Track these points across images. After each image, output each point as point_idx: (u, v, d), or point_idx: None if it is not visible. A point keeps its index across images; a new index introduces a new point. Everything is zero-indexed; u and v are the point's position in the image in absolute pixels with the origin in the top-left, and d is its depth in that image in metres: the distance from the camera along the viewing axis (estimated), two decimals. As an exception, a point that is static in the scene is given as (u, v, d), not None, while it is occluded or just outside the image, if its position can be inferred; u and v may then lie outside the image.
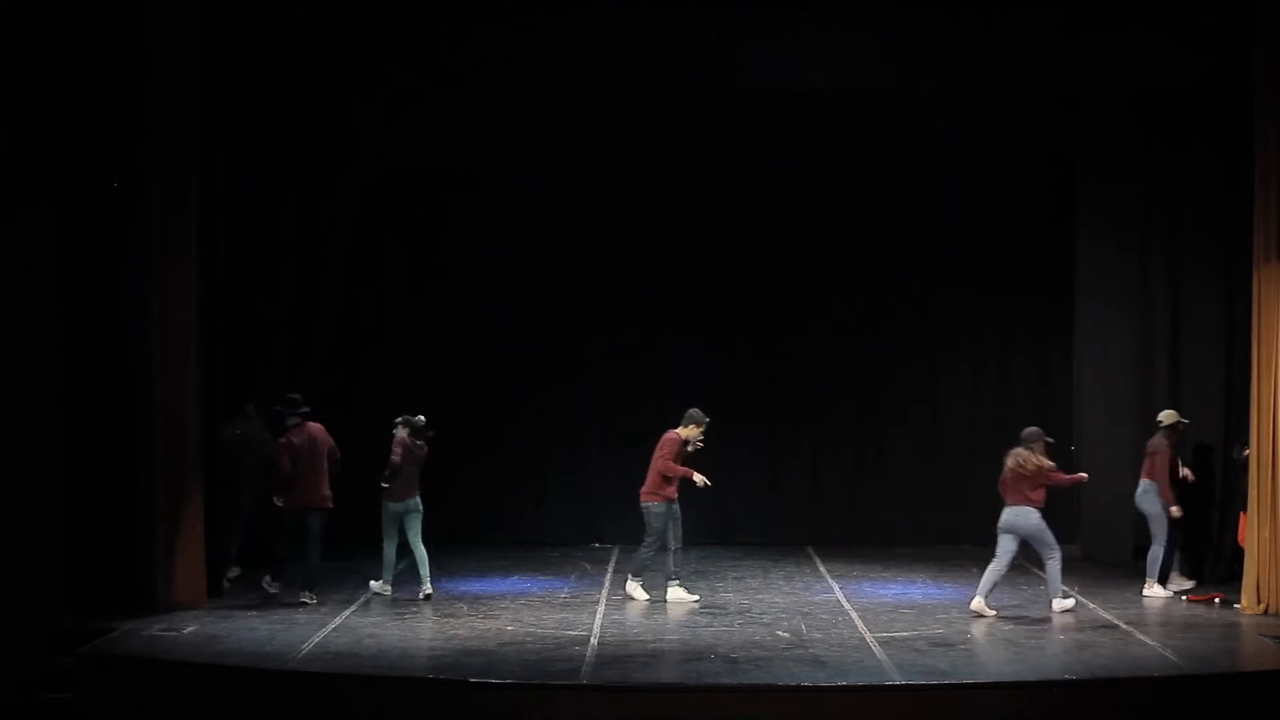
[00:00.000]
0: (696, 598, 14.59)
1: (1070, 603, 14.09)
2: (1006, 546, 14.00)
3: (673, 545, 14.59)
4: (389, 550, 14.86)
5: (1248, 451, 14.27)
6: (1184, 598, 14.56)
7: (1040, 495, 14.11)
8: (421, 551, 14.78)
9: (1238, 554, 14.52)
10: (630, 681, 11.54)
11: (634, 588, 14.68)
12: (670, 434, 14.67)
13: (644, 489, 14.60)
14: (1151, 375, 16.24)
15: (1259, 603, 13.94)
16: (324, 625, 13.35)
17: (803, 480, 18.36)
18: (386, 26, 14.69)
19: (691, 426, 14.61)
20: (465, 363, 18.26)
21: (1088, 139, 17.00)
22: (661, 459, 14.53)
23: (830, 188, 18.10)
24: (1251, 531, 14.05)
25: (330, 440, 14.74)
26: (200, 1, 14.03)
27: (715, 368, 17.77)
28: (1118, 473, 16.61)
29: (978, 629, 13.30)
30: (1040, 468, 14.08)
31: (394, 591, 14.90)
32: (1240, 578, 14.22)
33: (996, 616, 13.78)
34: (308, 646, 12.54)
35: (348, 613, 13.94)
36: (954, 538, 17.98)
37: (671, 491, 14.56)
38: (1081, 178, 17.18)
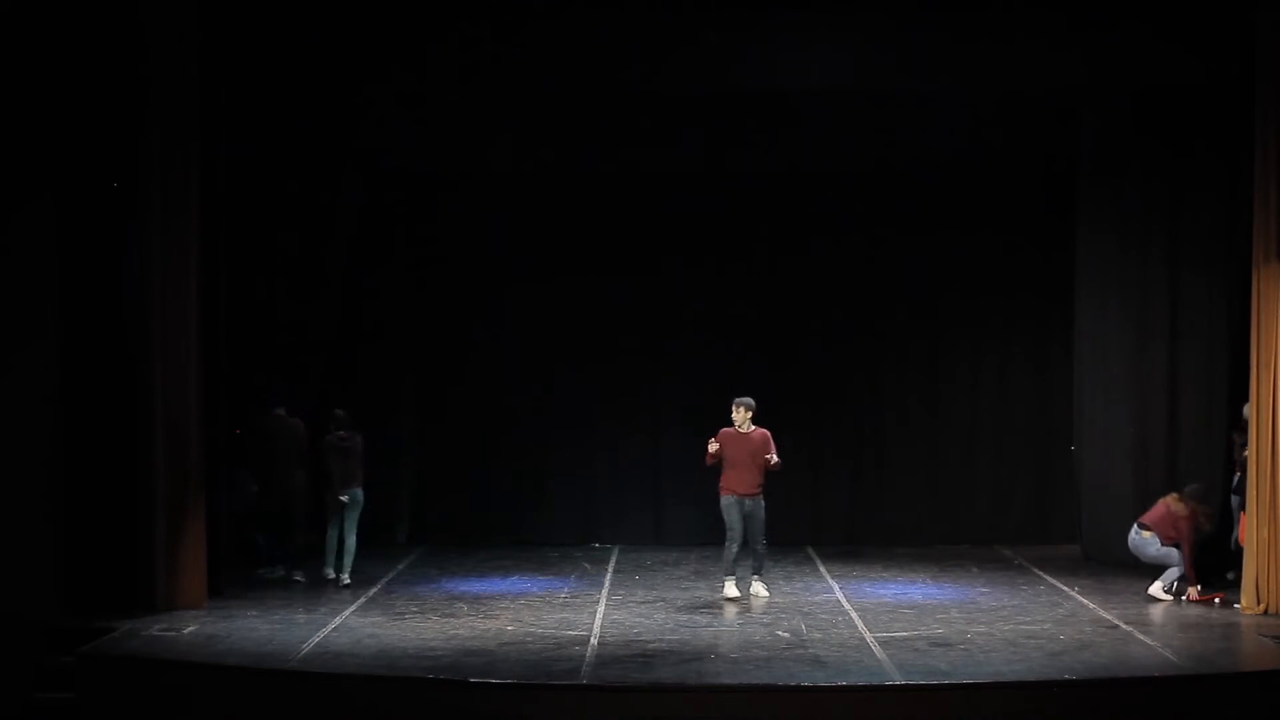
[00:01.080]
0: (767, 595, 14.77)
1: (1164, 595, 14.48)
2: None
3: (749, 542, 14.75)
4: (331, 537, 15.35)
5: (1247, 452, 14.27)
6: (1183, 598, 14.55)
7: (1171, 538, 14.60)
8: (352, 543, 15.27)
9: (1238, 554, 14.51)
10: (630, 681, 11.54)
11: (729, 587, 14.77)
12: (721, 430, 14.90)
13: None
14: (1151, 375, 16.22)
15: (1259, 603, 13.93)
16: (324, 625, 13.35)
17: (803, 480, 18.33)
18: (386, 27, 14.68)
19: (733, 415, 14.80)
20: (465, 363, 18.26)
21: (1088, 138, 16.98)
22: None
23: (830, 188, 18.09)
24: (1251, 531, 14.04)
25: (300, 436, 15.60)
26: (201, 2, 14.04)
27: (715, 368, 17.74)
28: (1118, 473, 16.62)
29: (978, 629, 13.29)
30: (1182, 523, 14.58)
31: (393, 592, 14.95)
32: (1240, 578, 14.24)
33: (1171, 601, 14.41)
34: (308, 646, 12.54)
35: (348, 613, 13.94)
36: (954, 538, 18.00)
37: (732, 484, 14.68)
38: (1081, 177, 17.16)
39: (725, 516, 14.72)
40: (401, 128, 17.30)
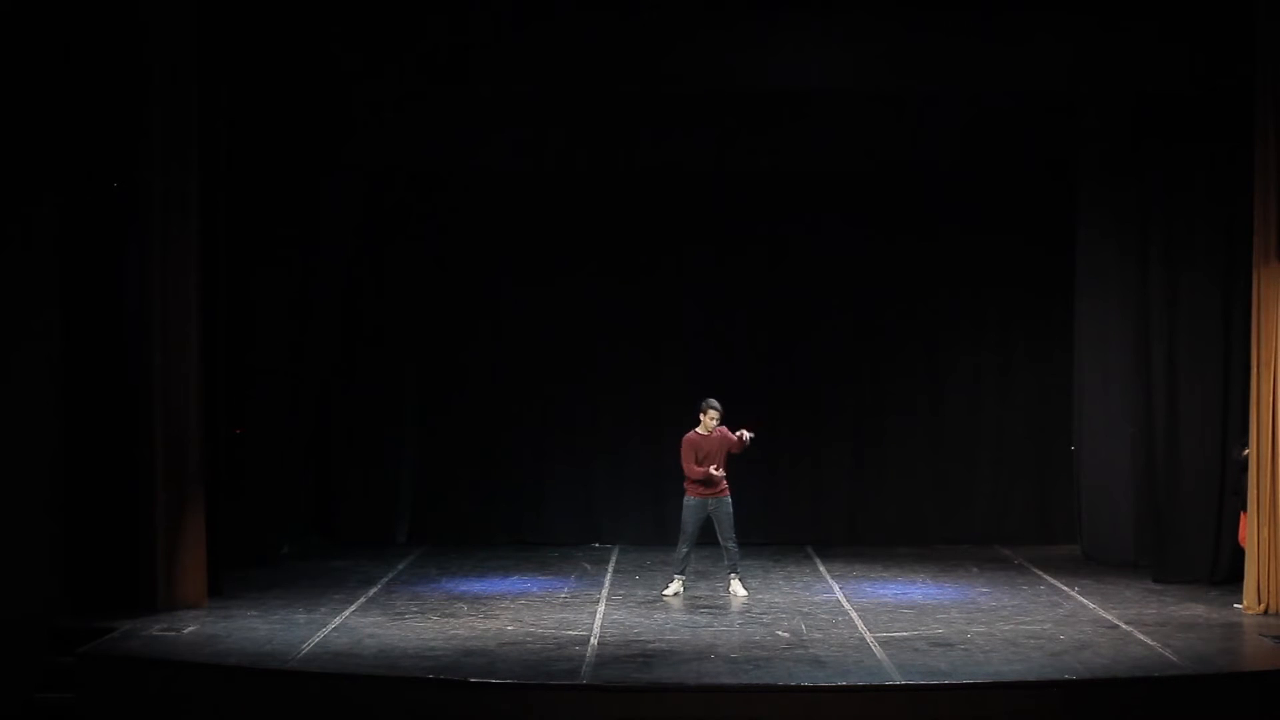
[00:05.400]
0: (746, 593, 14.85)
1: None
2: None
3: (720, 541, 14.88)
4: None
5: (1247, 451, 14.28)
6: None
7: None
8: None
9: (1238, 554, 14.51)
10: (630, 681, 11.54)
11: (671, 585, 14.96)
12: (685, 437, 14.92)
13: None
14: (1151, 375, 16.21)
15: (1259, 603, 13.94)
16: (324, 625, 13.35)
17: (803, 480, 18.35)
18: (385, 25, 14.67)
19: (701, 417, 14.82)
20: (465, 363, 18.25)
21: (1088, 139, 16.99)
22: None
23: (830, 188, 18.09)
24: (1251, 531, 14.05)
25: None
26: (201, 2, 14.04)
27: (715, 367, 17.75)
28: (1118, 473, 16.61)
29: (978, 629, 13.28)
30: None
31: (393, 592, 14.98)
32: (1240, 578, 14.23)
33: None
34: (308, 646, 12.54)
35: (348, 613, 13.94)
36: (954, 537, 18.00)
37: (697, 485, 14.82)
38: (1082, 178, 17.17)
39: (683, 516, 14.93)
40: (402, 127, 17.32)
